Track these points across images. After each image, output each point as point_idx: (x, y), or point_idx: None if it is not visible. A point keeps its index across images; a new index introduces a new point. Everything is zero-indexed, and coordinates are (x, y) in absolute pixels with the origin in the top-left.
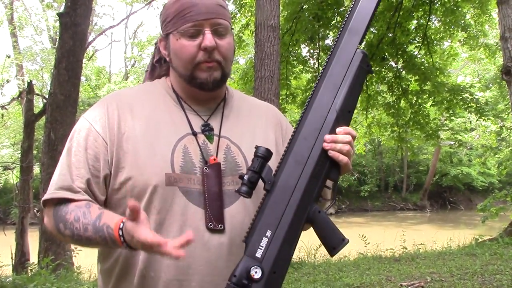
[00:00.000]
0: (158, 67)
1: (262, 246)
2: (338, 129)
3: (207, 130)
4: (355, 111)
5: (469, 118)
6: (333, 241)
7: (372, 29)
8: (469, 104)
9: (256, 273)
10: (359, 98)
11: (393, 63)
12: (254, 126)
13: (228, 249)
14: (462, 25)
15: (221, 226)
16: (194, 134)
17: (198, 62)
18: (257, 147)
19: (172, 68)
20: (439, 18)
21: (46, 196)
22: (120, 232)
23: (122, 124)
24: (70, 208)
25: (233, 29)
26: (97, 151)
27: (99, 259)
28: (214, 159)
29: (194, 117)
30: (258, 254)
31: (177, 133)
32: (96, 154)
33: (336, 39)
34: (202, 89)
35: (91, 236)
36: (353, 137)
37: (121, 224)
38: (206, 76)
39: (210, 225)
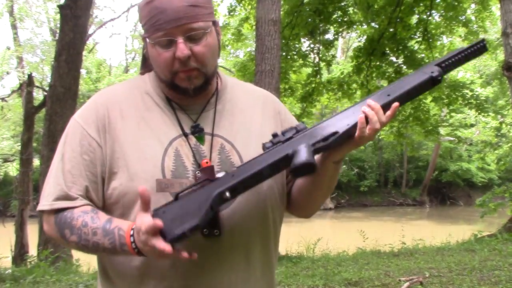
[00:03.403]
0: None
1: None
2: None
3: (197, 131)
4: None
5: (468, 114)
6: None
7: (373, 24)
8: (469, 100)
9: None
10: (359, 93)
11: (393, 58)
12: (250, 119)
13: (226, 254)
14: (463, 20)
15: (216, 232)
16: (185, 135)
17: (175, 71)
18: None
19: (154, 70)
20: (440, 13)
21: (44, 207)
22: (132, 232)
23: (113, 127)
24: (76, 214)
25: (216, 23)
26: (92, 156)
27: (99, 267)
28: (207, 162)
29: (184, 116)
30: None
31: (167, 135)
32: (92, 159)
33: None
34: (184, 95)
35: (99, 240)
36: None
37: (133, 229)
38: (186, 85)
39: (205, 231)
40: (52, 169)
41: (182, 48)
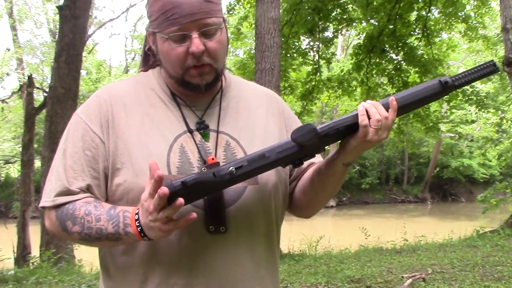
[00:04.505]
0: (151, 55)
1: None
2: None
3: (202, 128)
4: (354, 103)
5: (469, 110)
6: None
7: (372, 21)
8: (470, 96)
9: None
10: (360, 91)
11: (393, 55)
12: (254, 117)
13: (232, 251)
14: (463, 16)
15: (223, 229)
16: (191, 132)
17: (187, 66)
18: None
19: (162, 66)
20: (439, 10)
21: (46, 203)
22: (137, 211)
23: (116, 123)
24: (78, 205)
25: (224, 19)
26: (95, 152)
27: (101, 266)
28: (213, 159)
29: (189, 112)
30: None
31: (172, 132)
32: (94, 155)
33: None
34: (195, 91)
35: (102, 225)
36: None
37: (138, 210)
38: (197, 81)
39: (211, 228)
40: (54, 165)
41: (198, 43)
